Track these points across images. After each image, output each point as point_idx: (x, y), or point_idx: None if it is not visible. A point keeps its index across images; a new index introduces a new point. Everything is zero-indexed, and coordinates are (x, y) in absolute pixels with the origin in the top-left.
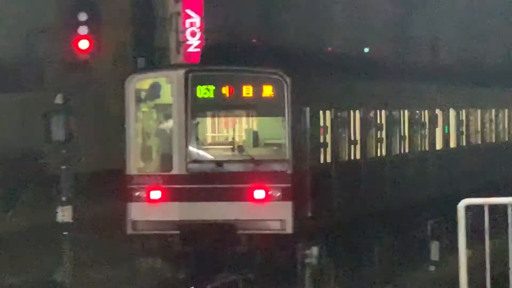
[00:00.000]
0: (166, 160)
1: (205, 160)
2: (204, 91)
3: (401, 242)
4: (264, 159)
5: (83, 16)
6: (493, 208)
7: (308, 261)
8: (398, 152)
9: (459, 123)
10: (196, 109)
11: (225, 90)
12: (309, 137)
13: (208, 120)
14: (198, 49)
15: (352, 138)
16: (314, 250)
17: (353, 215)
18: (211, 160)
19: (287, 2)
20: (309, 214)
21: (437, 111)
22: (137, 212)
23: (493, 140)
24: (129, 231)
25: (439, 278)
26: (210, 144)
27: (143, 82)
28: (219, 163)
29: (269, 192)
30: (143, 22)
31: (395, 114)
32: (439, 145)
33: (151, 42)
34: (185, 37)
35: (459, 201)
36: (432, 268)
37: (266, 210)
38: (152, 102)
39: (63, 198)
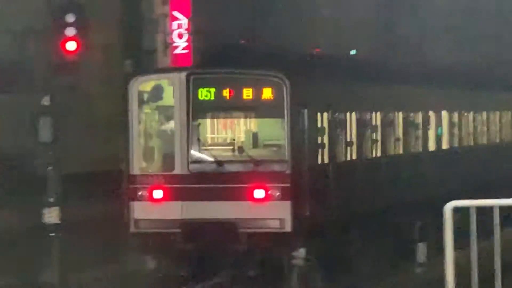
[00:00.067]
0: (168, 160)
1: (206, 161)
2: (205, 93)
3: (397, 241)
4: (264, 159)
5: (70, 18)
6: (483, 209)
7: (295, 262)
8: (392, 153)
9: (451, 125)
10: (198, 110)
11: (225, 92)
12: (307, 138)
13: (209, 121)
14: (186, 51)
15: (348, 139)
16: (302, 251)
17: (348, 215)
18: (212, 160)
19: (278, 4)
20: (307, 213)
21: (430, 113)
22: (140, 211)
23: (485, 142)
24: (132, 229)
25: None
26: (211, 145)
27: (145, 84)
28: (220, 164)
29: (269, 192)
30: (131, 24)
31: (390, 116)
32: (432, 147)
33: (138, 43)
34: (172, 39)
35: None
36: None
37: (266, 209)
38: (155, 104)
39: (50, 199)
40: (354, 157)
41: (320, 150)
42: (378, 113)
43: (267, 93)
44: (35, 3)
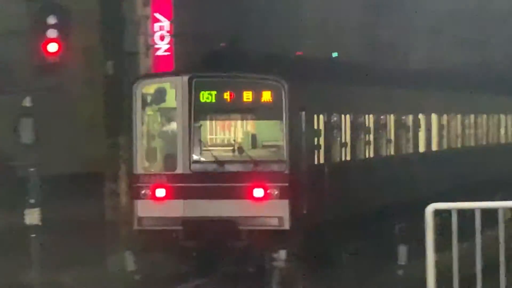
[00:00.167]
0: (171, 160)
1: (208, 161)
2: (206, 96)
3: (392, 238)
4: (263, 160)
5: (52, 19)
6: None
7: (276, 264)
8: (385, 154)
9: (440, 127)
10: (199, 112)
11: (226, 95)
12: (305, 140)
13: (210, 123)
14: (168, 53)
15: (343, 141)
16: (282, 253)
17: (343, 214)
18: (213, 160)
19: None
20: (304, 212)
21: (420, 116)
22: (143, 209)
23: (472, 144)
24: (136, 226)
25: None
26: (212, 146)
27: (149, 87)
28: (220, 163)
29: (268, 191)
30: (112, 26)
31: (382, 118)
32: (422, 148)
33: (120, 45)
34: (154, 40)
35: (445, 199)
36: None
37: (265, 207)
38: (157, 106)
39: (31, 201)
40: (348, 157)
41: (316, 151)
42: (371, 116)
43: (266, 96)
44: (17, 5)
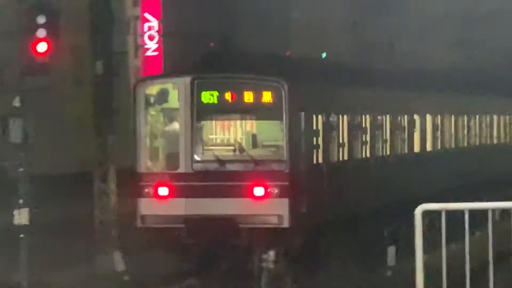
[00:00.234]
0: (173, 159)
1: (209, 160)
2: (208, 97)
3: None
4: (264, 159)
5: (41, 19)
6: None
7: (265, 265)
8: (381, 153)
9: (434, 127)
10: (201, 113)
11: (227, 96)
12: (304, 139)
13: (212, 123)
14: (156, 53)
15: (341, 141)
16: (271, 254)
17: (341, 212)
18: (214, 159)
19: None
20: (304, 210)
21: (415, 116)
22: (146, 207)
23: (466, 144)
24: (139, 224)
25: None
26: (214, 145)
27: (152, 88)
28: (222, 163)
29: (268, 190)
30: (102, 25)
31: (379, 119)
32: (417, 148)
33: (109, 45)
34: (143, 40)
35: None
36: None
37: (265, 206)
38: (160, 106)
39: (20, 201)
40: (345, 157)
41: (315, 151)
42: (368, 116)
43: (267, 96)
44: (6, 4)
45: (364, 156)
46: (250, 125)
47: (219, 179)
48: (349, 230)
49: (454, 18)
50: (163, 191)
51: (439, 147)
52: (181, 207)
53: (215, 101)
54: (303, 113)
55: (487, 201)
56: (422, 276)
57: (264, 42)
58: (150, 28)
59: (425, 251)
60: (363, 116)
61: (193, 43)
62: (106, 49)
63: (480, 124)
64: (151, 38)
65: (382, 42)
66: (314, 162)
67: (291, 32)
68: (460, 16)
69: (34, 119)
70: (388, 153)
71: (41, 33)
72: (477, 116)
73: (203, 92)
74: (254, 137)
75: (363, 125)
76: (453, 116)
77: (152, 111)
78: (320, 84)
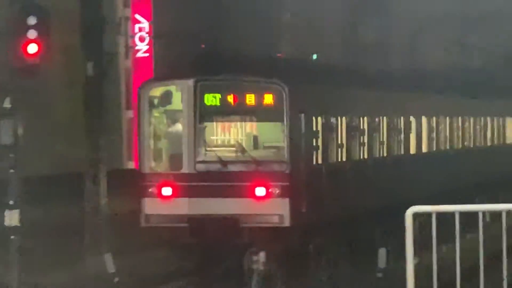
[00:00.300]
0: (176, 160)
1: (212, 161)
2: (211, 99)
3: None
4: (265, 160)
5: (32, 20)
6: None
7: (255, 267)
8: (378, 155)
9: (430, 129)
10: (204, 114)
11: (230, 98)
12: (304, 141)
13: (215, 124)
14: (147, 54)
15: (339, 142)
16: (261, 255)
17: (339, 212)
18: (217, 160)
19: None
20: (304, 210)
21: (411, 118)
22: (150, 206)
23: (460, 146)
24: (143, 224)
25: None
26: (216, 146)
27: (155, 90)
28: (224, 163)
29: (269, 190)
30: (93, 27)
31: (376, 120)
32: (413, 149)
33: (100, 46)
34: (134, 42)
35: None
36: None
37: (266, 205)
38: (164, 108)
39: (10, 202)
40: (344, 158)
41: (315, 152)
42: (365, 118)
43: (268, 98)
44: None
45: (362, 157)
46: (252, 127)
47: (221, 179)
48: (346, 230)
49: (452, 18)
50: (166, 191)
51: (435, 149)
52: (184, 206)
53: (218, 103)
54: (303, 115)
55: (479, 203)
56: (412, 278)
57: (256, 43)
58: (140, 29)
59: (417, 253)
60: (361, 118)
61: (185, 45)
62: (97, 50)
63: (474, 126)
64: (141, 39)
65: (377, 43)
66: (314, 162)
67: (284, 33)
68: (458, 16)
69: (24, 120)
70: (385, 154)
71: (32, 34)
72: (471, 118)
73: (206, 94)
74: (255, 138)
75: (361, 127)
76: (447, 118)
77: (155, 113)
78: (319, 86)
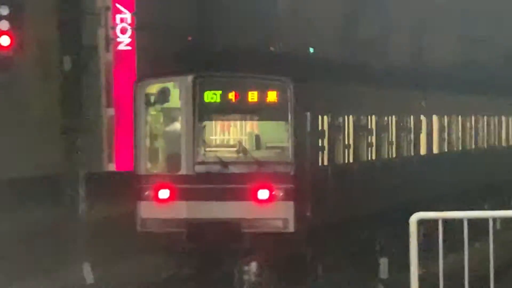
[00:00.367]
0: (174, 161)
1: (212, 162)
2: (211, 96)
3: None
4: (268, 161)
5: (4, 10)
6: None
7: (246, 277)
8: (386, 156)
9: (441, 128)
10: (203, 113)
11: (231, 95)
12: (309, 141)
13: (215, 123)
14: (129, 47)
15: (346, 142)
16: (253, 265)
17: (345, 216)
18: (217, 161)
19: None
20: (309, 214)
21: (422, 117)
22: (146, 210)
23: (473, 146)
24: (139, 228)
25: None
26: (216, 146)
27: (152, 87)
28: (224, 165)
29: (273, 192)
30: (71, 17)
31: (385, 119)
32: (423, 150)
33: (78, 39)
34: (115, 33)
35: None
36: None
37: (270, 209)
38: (161, 106)
39: None
40: (351, 159)
41: (320, 152)
42: (373, 117)
43: (272, 96)
44: None
45: (370, 158)
46: (254, 126)
47: (221, 181)
48: (352, 235)
49: (461, 13)
50: (163, 193)
51: (447, 150)
52: (183, 210)
53: (218, 101)
54: (308, 114)
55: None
56: None
57: (247, 36)
58: (122, 20)
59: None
60: (369, 117)
61: (170, 37)
62: (75, 43)
63: (488, 125)
64: (123, 31)
65: (383, 40)
66: (320, 164)
67: (278, 25)
68: (467, 11)
69: None
70: (394, 155)
71: (4, 25)
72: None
73: (206, 92)
74: (258, 138)
75: (369, 126)
76: (460, 116)
77: (152, 111)
78: (325, 83)
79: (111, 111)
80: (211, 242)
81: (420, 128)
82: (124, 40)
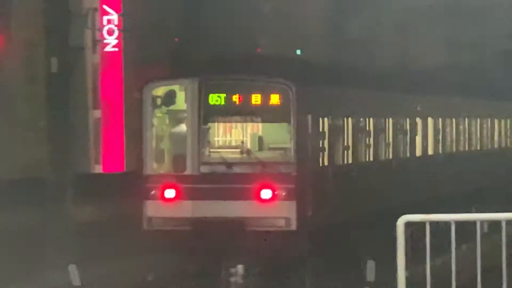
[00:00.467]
0: (180, 161)
1: (216, 162)
2: (216, 99)
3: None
4: (271, 161)
5: None
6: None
7: (233, 279)
8: (384, 157)
9: (436, 131)
10: (208, 115)
11: (235, 98)
12: (311, 142)
13: (219, 125)
14: (116, 49)
15: (345, 144)
16: (240, 267)
17: (346, 216)
18: (221, 162)
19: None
20: (310, 213)
21: (417, 120)
22: (153, 209)
23: (466, 148)
24: (145, 227)
25: None
26: (221, 147)
27: (159, 90)
28: (229, 165)
29: (275, 192)
30: (58, 19)
31: (382, 121)
32: (419, 152)
33: (65, 40)
34: (102, 35)
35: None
36: None
37: (272, 208)
38: (167, 108)
39: None
40: (350, 160)
41: (321, 153)
42: (371, 119)
43: (275, 99)
44: None
45: (367, 159)
46: (257, 127)
47: (226, 181)
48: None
49: (453, 15)
50: (169, 193)
51: (441, 151)
52: (188, 209)
53: (223, 103)
54: (310, 116)
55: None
56: None
57: (235, 37)
58: (109, 22)
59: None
60: (367, 119)
61: (157, 38)
62: (62, 44)
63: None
64: (110, 32)
65: (383, 43)
66: (320, 164)
67: (265, 27)
68: (459, 13)
69: None
70: (391, 156)
71: None
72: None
73: (211, 94)
74: (261, 139)
75: (367, 128)
76: (454, 119)
77: (158, 113)
78: (326, 86)
79: (98, 113)
80: (216, 239)
81: (416, 130)
82: (111, 42)
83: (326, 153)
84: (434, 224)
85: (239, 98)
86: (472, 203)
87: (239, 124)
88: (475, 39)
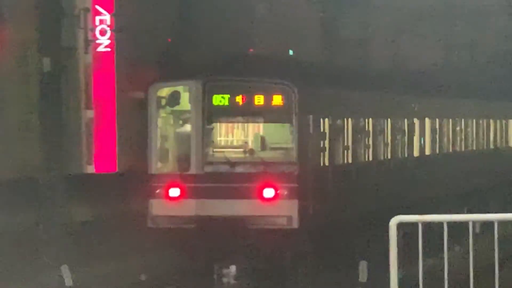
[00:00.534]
0: (184, 161)
1: (220, 162)
2: (219, 99)
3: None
4: (273, 161)
5: None
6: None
7: (225, 280)
8: (383, 157)
9: (433, 131)
10: (212, 115)
11: (238, 99)
12: (312, 142)
13: (223, 125)
14: (109, 49)
15: (345, 144)
16: (232, 268)
17: (346, 215)
18: (225, 161)
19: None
20: (311, 212)
21: (415, 120)
22: (157, 208)
23: (463, 149)
24: (150, 225)
25: None
26: (224, 147)
27: (163, 90)
28: (232, 165)
29: (278, 191)
30: (50, 19)
31: (381, 122)
32: (416, 152)
33: (58, 40)
34: (95, 35)
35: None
36: None
37: (275, 207)
38: (172, 108)
39: None
40: (350, 160)
41: (322, 153)
42: (370, 120)
43: (277, 99)
44: None
45: (367, 159)
46: (260, 128)
47: (229, 180)
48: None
49: (453, 15)
50: (174, 192)
51: (438, 152)
52: (192, 208)
53: (226, 104)
54: (311, 116)
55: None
56: None
57: (227, 38)
58: (101, 22)
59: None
60: (366, 119)
61: (150, 39)
62: (54, 44)
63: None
64: (102, 32)
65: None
66: (321, 164)
67: (258, 27)
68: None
69: None
70: (389, 156)
71: None
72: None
73: (215, 95)
74: (263, 139)
75: (366, 129)
76: (450, 120)
77: (163, 113)
78: (327, 87)
79: (90, 113)
80: (219, 237)
81: (414, 130)
82: (103, 42)
83: (326, 152)
84: (426, 225)
85: (242, 98)
86: (466, 204)
87: (242, 125)
88: (473, 40)
